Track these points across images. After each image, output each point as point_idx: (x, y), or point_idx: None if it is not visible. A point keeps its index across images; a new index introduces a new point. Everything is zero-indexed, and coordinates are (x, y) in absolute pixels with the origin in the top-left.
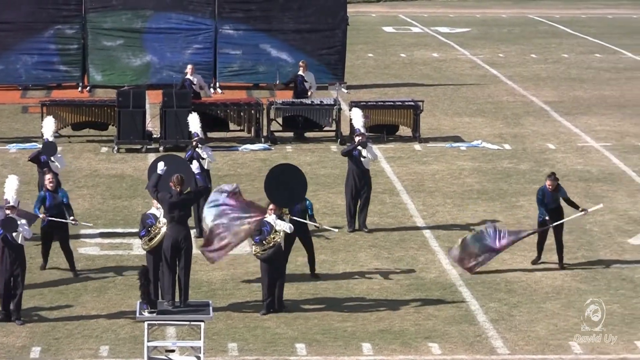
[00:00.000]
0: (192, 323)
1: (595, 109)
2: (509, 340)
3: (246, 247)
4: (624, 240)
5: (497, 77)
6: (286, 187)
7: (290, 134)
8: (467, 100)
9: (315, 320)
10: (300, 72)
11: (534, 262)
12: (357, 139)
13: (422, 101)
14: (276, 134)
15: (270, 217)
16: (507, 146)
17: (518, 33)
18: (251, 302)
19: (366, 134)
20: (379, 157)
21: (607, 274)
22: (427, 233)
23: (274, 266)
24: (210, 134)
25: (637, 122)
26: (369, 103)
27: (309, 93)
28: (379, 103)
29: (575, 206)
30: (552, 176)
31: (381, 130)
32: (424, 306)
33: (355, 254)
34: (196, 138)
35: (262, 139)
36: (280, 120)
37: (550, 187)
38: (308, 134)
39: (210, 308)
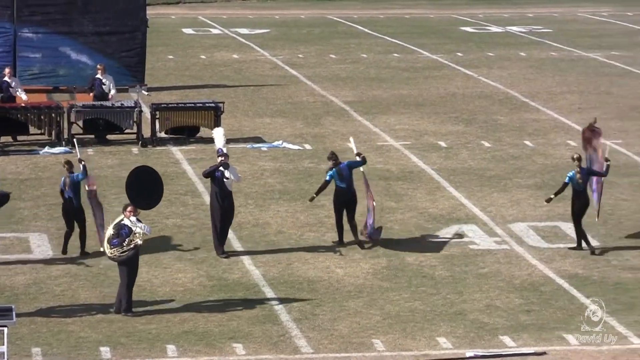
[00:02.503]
0: None
1: (394, 108)
2: (313, 339)
3: (49, 252)
4: (424, 237)
5: (297, 78)
6: (145, 189)
7: (92, 137)
8: (267, 101)
9: (119, 324)
10: (99, 75)
11: (339, 243)
12: (219, 159)
13: (223, 102)
14: (77, 136)
15: (128, 220)
16: (307, 146)
17: (317, 34)
18: (55, 307)
19: (228, 154)
20: (183, 159)
21: (408, 272)
22: (229, 234)
23: (132, 268)
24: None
25: (434, 120)
26: (170, 105)
27: (110, 96)
28: (180, 105)
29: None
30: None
31: (182, 132)
32: (227, 307)
33: (158, 256)
34: None
35: (63, 142)
36: (81, 123)
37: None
38: (109, 137)
39: (14, 313)
